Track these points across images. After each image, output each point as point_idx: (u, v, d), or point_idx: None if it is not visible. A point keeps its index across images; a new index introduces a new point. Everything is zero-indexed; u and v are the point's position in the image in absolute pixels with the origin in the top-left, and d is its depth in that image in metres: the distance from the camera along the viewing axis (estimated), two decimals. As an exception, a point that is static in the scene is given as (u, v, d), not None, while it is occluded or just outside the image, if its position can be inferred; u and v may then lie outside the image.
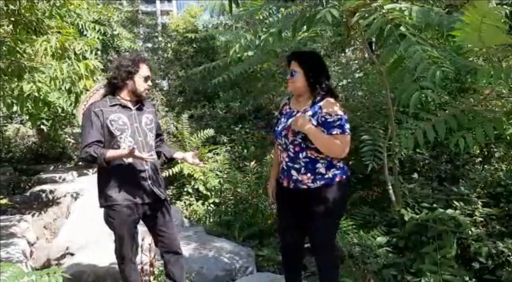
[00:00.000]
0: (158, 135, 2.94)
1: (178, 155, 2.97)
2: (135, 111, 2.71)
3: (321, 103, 2.45)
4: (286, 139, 2.49)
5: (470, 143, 2.34)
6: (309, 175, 2.46)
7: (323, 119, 2.40)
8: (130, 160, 2.60)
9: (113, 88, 2.70)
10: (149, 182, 2.67)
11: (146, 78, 2.70)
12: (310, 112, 2.45)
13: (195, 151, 2.90)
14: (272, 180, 2.76)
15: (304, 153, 2.45)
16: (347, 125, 2.41)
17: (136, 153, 2.44)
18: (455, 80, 4.62)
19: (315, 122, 2.40)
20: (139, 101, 2.74)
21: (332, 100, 2.45)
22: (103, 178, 2.65)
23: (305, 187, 2.48)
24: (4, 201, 3.01)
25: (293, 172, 2.49)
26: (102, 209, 2.71)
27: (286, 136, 2.49)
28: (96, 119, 2.59)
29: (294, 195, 2.55)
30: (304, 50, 2.65)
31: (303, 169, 2.46)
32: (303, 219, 2.58)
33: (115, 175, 2.61)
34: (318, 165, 2.46)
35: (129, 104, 2.70)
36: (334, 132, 2.37)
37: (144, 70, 2.69)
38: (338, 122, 2.38)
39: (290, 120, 2.49)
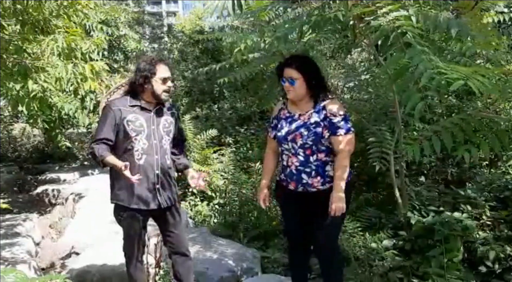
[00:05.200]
0: (178, 141, 2.85)
1: (187, 173, 2.85)
2: (154, 114, 2.67)
3: (324, 103, 2.49)
4: (294, 144, 2.49)
5: (475, 154, 2.33)
6: (319, 178, 2.48)
7: (328, 120, 2.46)
8: (141, 162, 2.59)
9: (134, 90, 2.66)
10: (157, 186, 2.64)
11: (164, 80, 2.61)
12: (315, 114, 2.48)
13: (201, 174, 2.78)
14: (265, 188, 2.66)
15: (315, 156, 2.47)
16: (350, 123, 2.50)
17: (126, 173, 2.39)
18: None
19: (322, 123, 2.45)
20: (159, 103, 2.69)
21: (333, 99, 2.53)
22: (113, 175, 2.66)
23: (314, 189, 2.50)
24: (4, 205, 3.01)
25: (304, 176, 2.49)
26: (109, 207, 2.71)
27: (294, 140, 2.48)
28: (112, 117, 2.58)
29: (301, 197, 2.54)
30: (297, 55, 2.60)
31: (314, 172, 2.48)
32: (309, 220, 2.58)
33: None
34: (328, 168, 2.49)
35: (149, 106, 2.66)
36: (339, 133, 2.45)
37: (161, 72, 2.60)
38: (342, 122, 2.45)
39: (293, 125, 2.49)
